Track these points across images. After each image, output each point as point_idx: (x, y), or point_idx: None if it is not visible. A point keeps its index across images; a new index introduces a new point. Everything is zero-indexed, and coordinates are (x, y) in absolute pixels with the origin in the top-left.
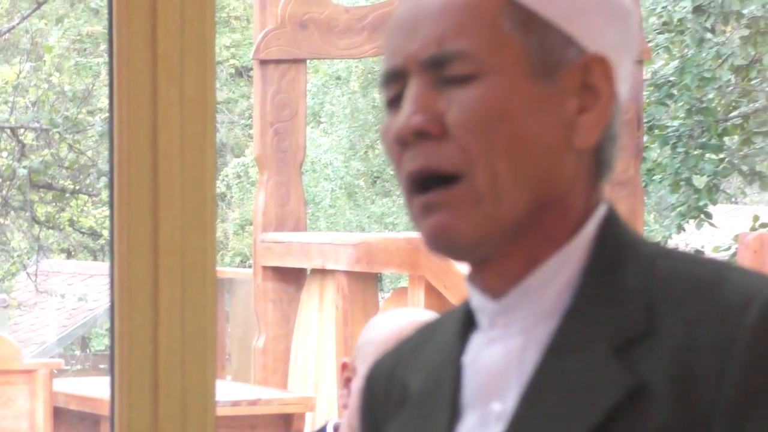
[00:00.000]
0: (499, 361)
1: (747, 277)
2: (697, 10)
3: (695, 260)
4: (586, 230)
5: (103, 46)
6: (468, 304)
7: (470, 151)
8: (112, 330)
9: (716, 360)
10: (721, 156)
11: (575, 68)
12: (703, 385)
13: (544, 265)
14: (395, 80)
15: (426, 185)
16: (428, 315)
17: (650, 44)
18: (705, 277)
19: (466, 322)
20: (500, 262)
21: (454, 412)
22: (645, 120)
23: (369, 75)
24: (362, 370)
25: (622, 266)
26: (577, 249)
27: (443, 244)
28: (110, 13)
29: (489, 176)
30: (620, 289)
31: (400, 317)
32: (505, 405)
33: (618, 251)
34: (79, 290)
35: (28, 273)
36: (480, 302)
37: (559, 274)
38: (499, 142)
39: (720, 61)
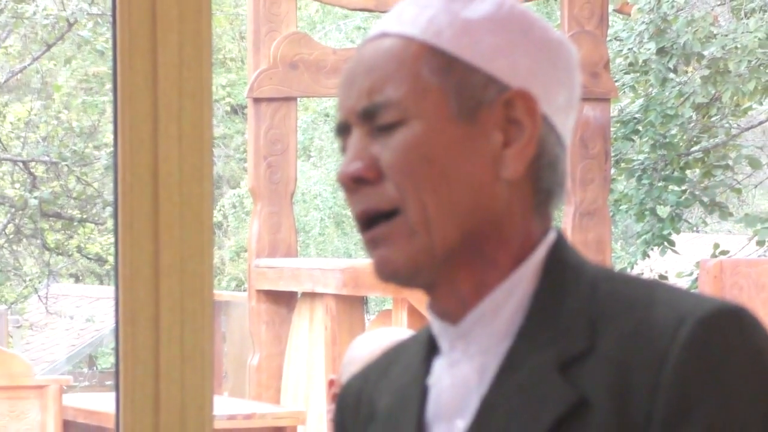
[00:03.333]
0: (461, 382)
1: (679, 297)
2: (661, 51)
3: (633, 282)
4: (534, 256)
5: (108, 86)
6: (430, 328)
7: (402, 188)
8: (116, 349)
9: (651, 374)
10: (684, 188)
11: (498, 105)
12: (639, 398)
13: (496, 291)
14: (343, 132)
15: (372, 222)
16: (409, 334)
17: (617, 84)
18: (641, 298)
19: (429, 346)
20: (448, 288)
21: (419, 429)
22: (612, 154)
23: None
24: None
25: (568, 289)
26: (525, 274)
27: (386, 275)
28: (114, 55)
29: (420, 210)
30: (565, 310)
31: (382, 337)
32: (467, 422)
33: (564, 275)
34: (86, 312)
35: (39, 296)
36: (440, 328)
37: (510, 299)
38: (426, 180)
39: (682, 99)
